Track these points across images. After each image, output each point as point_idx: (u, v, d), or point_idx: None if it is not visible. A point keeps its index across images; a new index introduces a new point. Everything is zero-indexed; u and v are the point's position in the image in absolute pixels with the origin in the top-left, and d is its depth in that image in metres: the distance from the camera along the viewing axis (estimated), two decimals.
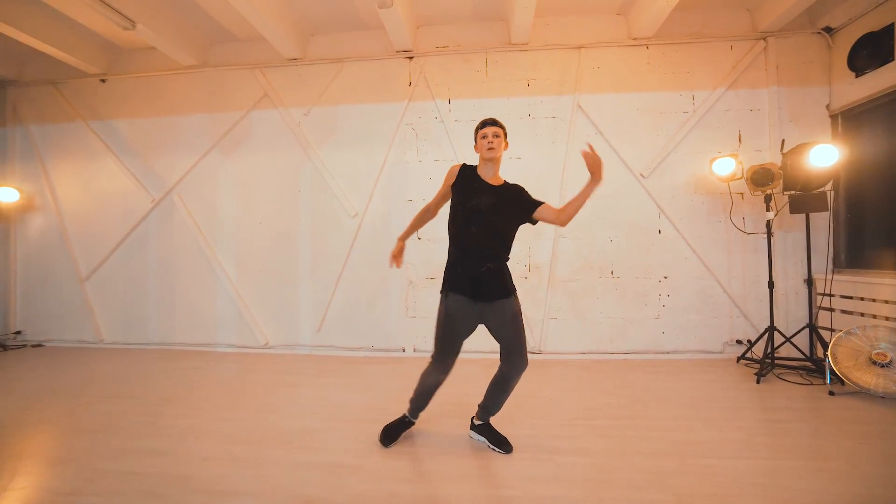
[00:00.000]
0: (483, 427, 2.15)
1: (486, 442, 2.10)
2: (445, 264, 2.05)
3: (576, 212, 1.92)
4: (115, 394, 2.97)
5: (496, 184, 2.03)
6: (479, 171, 2.04)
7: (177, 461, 1.97)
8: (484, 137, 2.00)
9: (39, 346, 4.52)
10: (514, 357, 1.98)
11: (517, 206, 2.00)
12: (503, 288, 1.97)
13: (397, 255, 2.21)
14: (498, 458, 2.01)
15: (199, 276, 4.35)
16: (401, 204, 4.13)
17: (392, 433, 2.16)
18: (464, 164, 2.08)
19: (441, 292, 2.03)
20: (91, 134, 4.52)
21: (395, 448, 2.11)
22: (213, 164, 4.34)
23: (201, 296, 4.35)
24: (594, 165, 1.83)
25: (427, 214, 2.23)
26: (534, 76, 4.02)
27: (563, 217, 1.94)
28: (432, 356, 2.04)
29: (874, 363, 2.70)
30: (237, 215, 4.32)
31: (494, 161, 2.01)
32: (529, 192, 2.06)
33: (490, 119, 2.04)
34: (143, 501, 1.66)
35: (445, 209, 2.17)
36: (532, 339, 3.94)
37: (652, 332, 3.91)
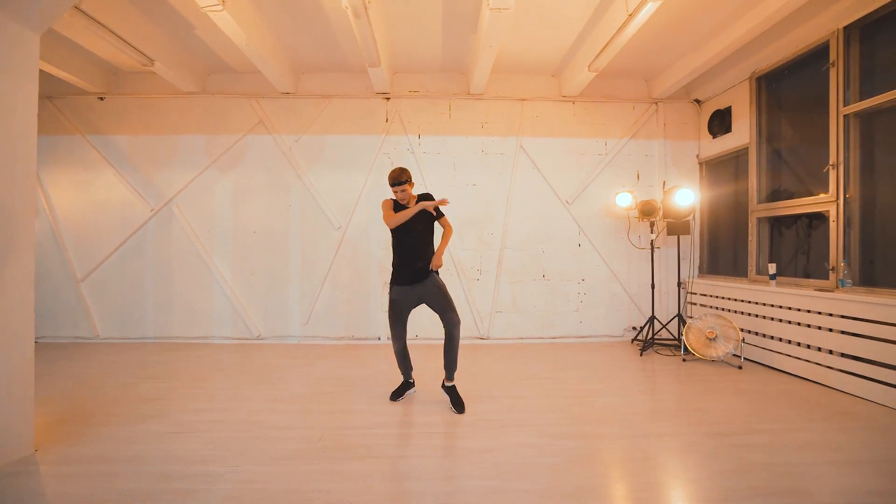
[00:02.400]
0: (449, 389, 3.01)
1: (448, 401, 2.97)
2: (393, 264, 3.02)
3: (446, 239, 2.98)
4: (149, 376, 3.61)
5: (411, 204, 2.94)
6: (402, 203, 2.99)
7: (238, 414, 2.75)
8: (397, 193, 2.87)
9: None
10: (448, 315, 2.83)
11: (427, 217, 2.96)
12: (427, 272, 2.92)
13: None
14: (470, 396, 3.01)
15: (197, 277, 4.95)
16: (377, 219, 5.01)
17: (398, 392, 3.09)
18: (393, 199, 3.00)
19: (389, 284, 3.03)
20: (89, 147, 4.92)
21: (398, 403, 3.05)
22: (211, 179, 4.94)
23: (198, 294, 4.95)
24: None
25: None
26: (487, 120, 5.07)
27: (451, 232, 3.04)
28: (390, 332, 3.03)
29: (708, 339, 4.05)
30: (233, 225, 4.97)
31: (407, 201, 2.92)
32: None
33: (394, 180, 2.82)
34: (232, 431, 2.45)
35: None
36: (481, 328, 5.00)
37: (572, 321, 5.13)
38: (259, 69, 4.40)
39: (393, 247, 3.00)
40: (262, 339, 4.95)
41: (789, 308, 3.71)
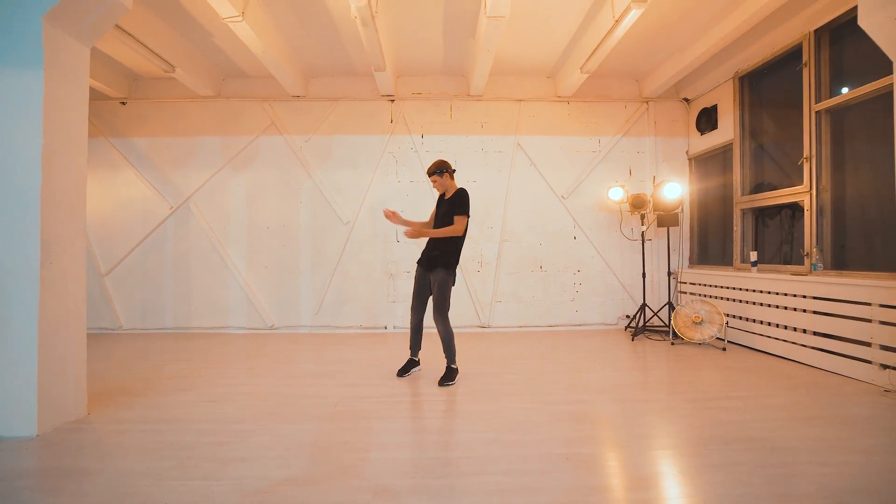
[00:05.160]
0: (447, 368, 3.24)
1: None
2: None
3: (442, 234, 3.09)
4: (174, 359, 3.91)
5: (448, 197, 3.20)
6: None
7: (260, 388, 3.03)
8: (432, 184, 3.25)
9: None
10: (433, 308, 3.12)
11: (453, 207, 3.14)
12: (436, 265, 3.11)
13: (393, 217, 3.16)
14: (469, 374, 3.31)
15: (213, 270, 5.25)
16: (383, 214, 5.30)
17: (403, 369, 3.33)
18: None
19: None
20: (112, 149, 5.24)
21: (403, 379, 3.32)
22: (226, 178, 5.25)
23: (215, 287, 5.25)
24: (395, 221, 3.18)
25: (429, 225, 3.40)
26: (486, 120, 5.35)
27: (452, 231, 3.09)
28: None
29: (695, 323, 4.32)
30: (247, 221, 5.27)
31: (444, 191, 3.23)
32: (462, 200, 3.09)
33: (428, 171, 3.19)
34: (256, 399, 2.73)
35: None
36: (482, 317, 5.28)
37: (569, 310, 5.40)
38: (272, 74, 4.70)
39: None
40: (275, 328, 5.25)
41: (769, 292, 3.98)
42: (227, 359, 3.94)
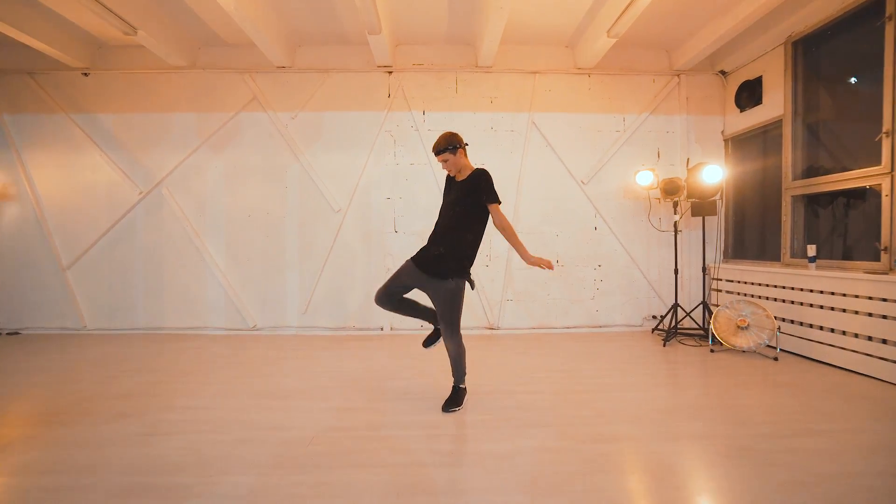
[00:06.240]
0: (452, 388, 2.58)
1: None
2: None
3: (508, 241, 2.38)
4: (133, 369, 3.34)
5: (461, 179, 2.49)
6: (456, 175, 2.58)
7: (223, 412, 2.46)
8: (440, 163, 2.51)
9: (15, 333, 4.62)
10: (441, 322, 2.44)
11: (469, 192, 2.38)
12: (446, 271, 2.36)
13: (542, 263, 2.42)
14: (478, 392, 2.73)
15: (189, 264, 4.67)
16: (380, 201, 4.70)
17: (429, 339, 2.65)
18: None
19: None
20: (73, 126, 4.63)
21: (401, 401, 2.74)
22: (202, 160, 4.65)
23: (191, 282, 4.67)
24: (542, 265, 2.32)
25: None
26: (496, 95, 4.72)
27: (499, 229, 2.37)
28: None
29: (739, 328, 3.71)
30: (226, 209, 4.67)
31: (458, 172, 2.53)
32: (487, 183, 2.37)
33: (434, 150, 2.48)
34: (211, 432, 2.16)
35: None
36: (490, 317, 4.69)
37: (588, 310, 4.80)
38: (253, 41, 4.08)
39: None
40: (257, 329, 4.68)
41: (832, 293, 3.37)
42: (197, 368, 3.37)
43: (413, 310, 2.57)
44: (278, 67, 4.59)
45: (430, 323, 2.63)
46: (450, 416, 2.41)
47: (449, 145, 2.46)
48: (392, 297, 2.48)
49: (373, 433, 2.18)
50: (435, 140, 2.52)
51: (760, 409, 2.50)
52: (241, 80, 4.63)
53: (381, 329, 4.71)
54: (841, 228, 3.72)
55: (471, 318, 4.62)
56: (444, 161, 2.49)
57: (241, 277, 4.69)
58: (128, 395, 2.76)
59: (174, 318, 4.67)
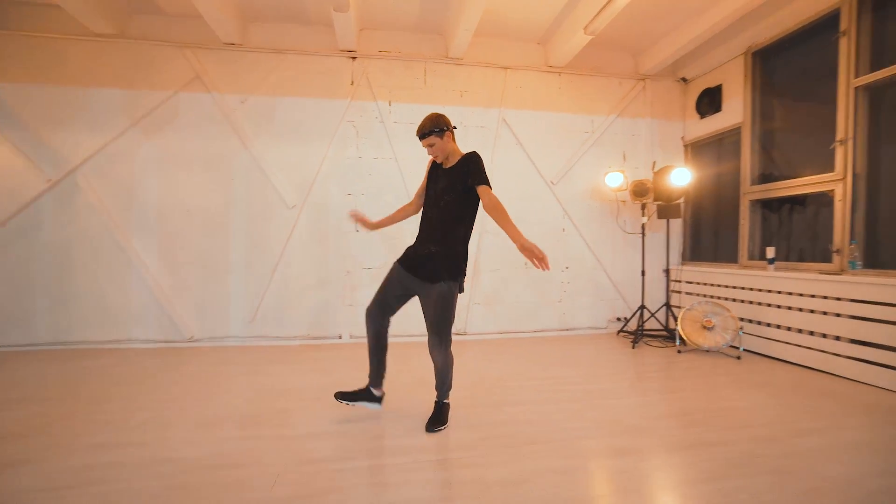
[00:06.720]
0: (435, 404, 2.34)
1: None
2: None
3: (499, 224, 2.04)
4: (24, 398, 2.71)
5: (449, 166, 2.23)
6: (443, 162, 2.28)
7: (155, 448, 2.00)
8: (426, 148, 2.24)
9: None
10: (430, 331, 2.18)
11: (460, 177, 2.15)
12: (438, 272, 2.14)
13: (359, 218, 2.41)
14: (461, 406, 2.47)
15: (109, 265, 3.99)
16: (340, 197, 4.31)
17: (353, 396, 2.33)
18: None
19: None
20: None
21: (376, 421, 2.42)
22: (130, 145, 3.99)
23: (111, 288, 3.99)
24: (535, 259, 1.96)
25: (408, 210, 2.46)
26: (466, 89, 4.52)
27: (489, 211, 2.07)
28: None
29: (705, 328, 3.78)
30: (159, 202, 4.05)
31: (446, 158, 2.26)
32: (478, 166, 2.14)
33: (419, 132, 2.20)
34: (138, 480, 1.72)
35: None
36: (458, 322, 4.46)
37: (556, 313, 4.73)
38: (198, 11, 3.57)
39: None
40: (195, 341, 4.09)
41: (790, 293, 3.51)
42: (116, 391, 2.79)
43: (378, 356, 2.31)
44: (226, 44, 4.07)
45: (369, 376, 2.35)
46: (436, 437, 2.13)
47: (435, 127, 2.18)
48: (387, 310, 2.24)
49: (350, 464, 1.85)
50: (421, 122, 2.23)
51: (749, 410, 2.48)
52: (180, 55, 4.04)
53: (340, 337, 4.32)
54: (795, 232, 3.91)
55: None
56: (430, 146, 2.22)
57: (177, 281, 4.09)
58: (17, 435, 2.15)
59: (88, 330, 3.95)
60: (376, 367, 2.33)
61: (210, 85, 4.07)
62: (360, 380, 3.02)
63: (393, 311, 2.29)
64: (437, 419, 2.25)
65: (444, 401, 2.34)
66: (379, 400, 2.38)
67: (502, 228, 2.02)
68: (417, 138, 2.24)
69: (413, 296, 2.27)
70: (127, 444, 2.02)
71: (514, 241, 1.96)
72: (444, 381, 2.29)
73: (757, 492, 1.64)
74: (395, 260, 2.31)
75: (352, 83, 4.31)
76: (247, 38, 4.15)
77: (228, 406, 2.54)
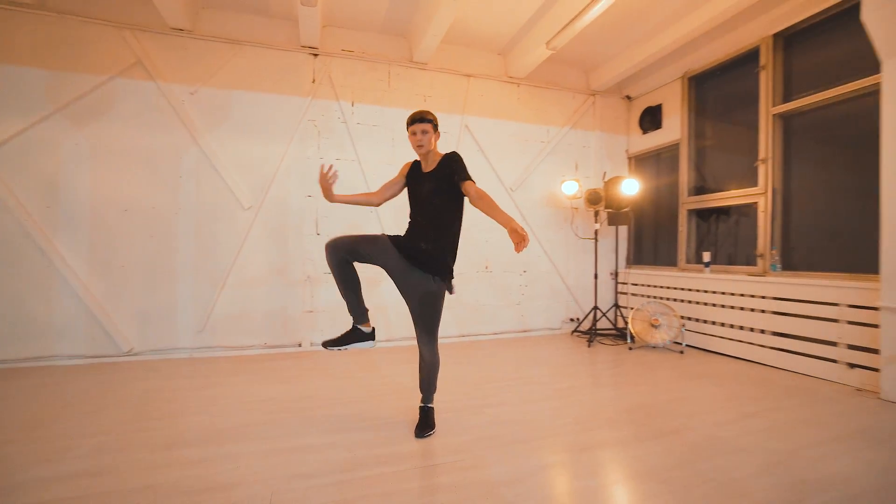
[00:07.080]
0: (420, 409, 2.33)
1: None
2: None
3: (487, 213, 1.98)
4: None
5: (429, 169, 2.21)
6: (422, 165, 2.26)
7: (120, 477, 1.78)
8: (414, 134, 2.15)
9: None
10: (420, 329, 2.23)
11: (446, 178, 2.13)
12: (436, 268, 2.16)
13: (327, 181, 2.28)
14: (448, 411, 2.49)
15: (28, 270, 3.47)
16: (300, 198, 4.13)
17: (343, 339, 2.25)
18: (414, 161, 2.33)
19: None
20: None
21: (363, 431, 2.35)
22: (56, 132, 3.52)
23: (30, 296, 3.48)
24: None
25: (371, 198, 2.39)
26: (430, 93, 4.55)
27: (476, 202, 2.02)
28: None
29: (653, 326, 4.13)
30: (91, 200, 3.61)
31: (427, 155, 2.21)
32: (461, 165, 2.13)
33: (418, 115, 2.14)
34: None
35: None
36: None
37: (515, 315, 4.89)
38: None
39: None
40: (134, 354, 3.69)
41: (723, 293, 3.94)
42: (51, 417, 2.42)
43: (351, 289, 2.19)
44: (174, 29, 3.74)
45: (351, 314, 2.23)
46: (427, 442, 2.13)
47: (433, 118, 2.19)
48: (353, 254, 2.11)
49: (347, 476, 1.79)
50: (417, 110, 2.21)
51: (700, 399, 2.75)
52: (119, 36, 3.64)
53: (300, 345, 4.13)
54: (722, 238, 4.40)
55: (396, 328, 4.33)
56: (423, 132, 2.15)
57: (112, 289, 3.66)
58: None
59: (0, 346, 3.42)
60: (355, 302, 2.22)
61: (154, 72, 3.72)
62: (334, 387, 2.95)
63: (356, 260, 2.15)
64: (426, 424, 2.24)
65: (429, 405, 2.33)
66: (371, 336, 2.28)
67: (492, 216, 1.96)
68: (407, 124, 2.19)
69: (380, 267, 2.17)
70: (82, 475, 1.77)
71: (506, 224, 1.88)
72: (430, 383, 2.29)
73: (726, 469, 1.84)
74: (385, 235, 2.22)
75: (313, 81, 4.15)
76: (197, 24, 3.84)
77: (193, 423, 2.32)
